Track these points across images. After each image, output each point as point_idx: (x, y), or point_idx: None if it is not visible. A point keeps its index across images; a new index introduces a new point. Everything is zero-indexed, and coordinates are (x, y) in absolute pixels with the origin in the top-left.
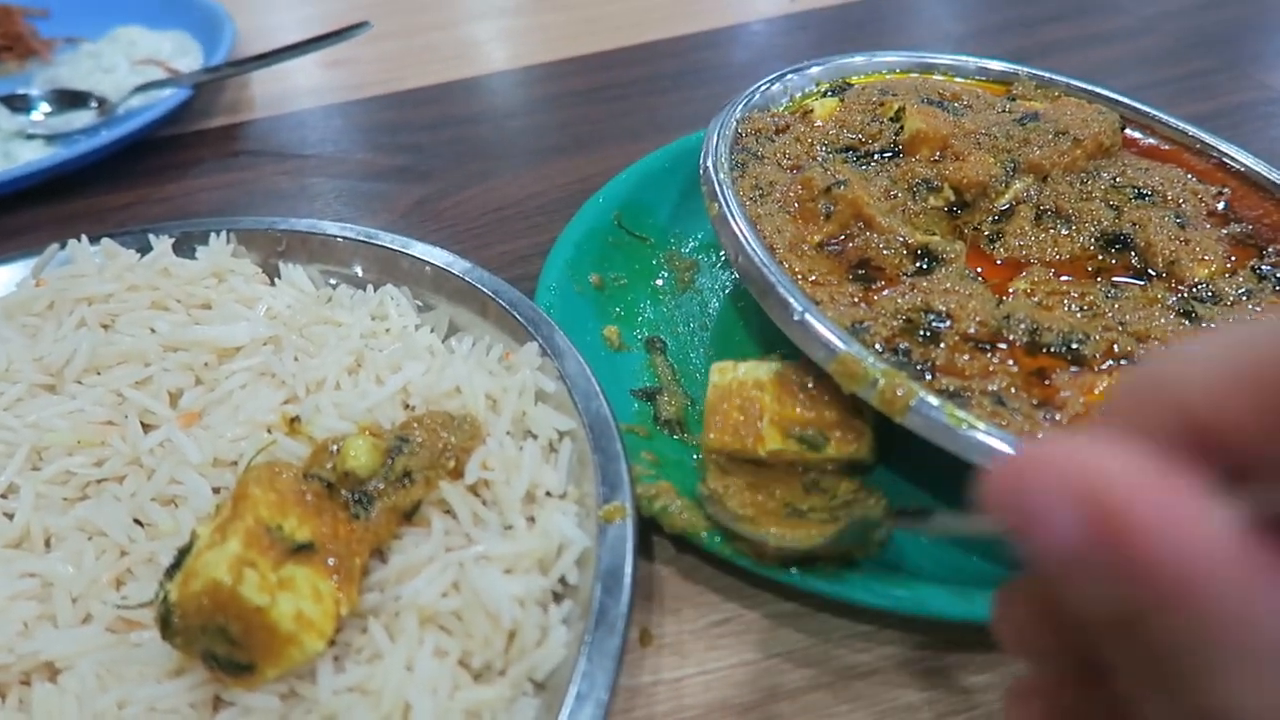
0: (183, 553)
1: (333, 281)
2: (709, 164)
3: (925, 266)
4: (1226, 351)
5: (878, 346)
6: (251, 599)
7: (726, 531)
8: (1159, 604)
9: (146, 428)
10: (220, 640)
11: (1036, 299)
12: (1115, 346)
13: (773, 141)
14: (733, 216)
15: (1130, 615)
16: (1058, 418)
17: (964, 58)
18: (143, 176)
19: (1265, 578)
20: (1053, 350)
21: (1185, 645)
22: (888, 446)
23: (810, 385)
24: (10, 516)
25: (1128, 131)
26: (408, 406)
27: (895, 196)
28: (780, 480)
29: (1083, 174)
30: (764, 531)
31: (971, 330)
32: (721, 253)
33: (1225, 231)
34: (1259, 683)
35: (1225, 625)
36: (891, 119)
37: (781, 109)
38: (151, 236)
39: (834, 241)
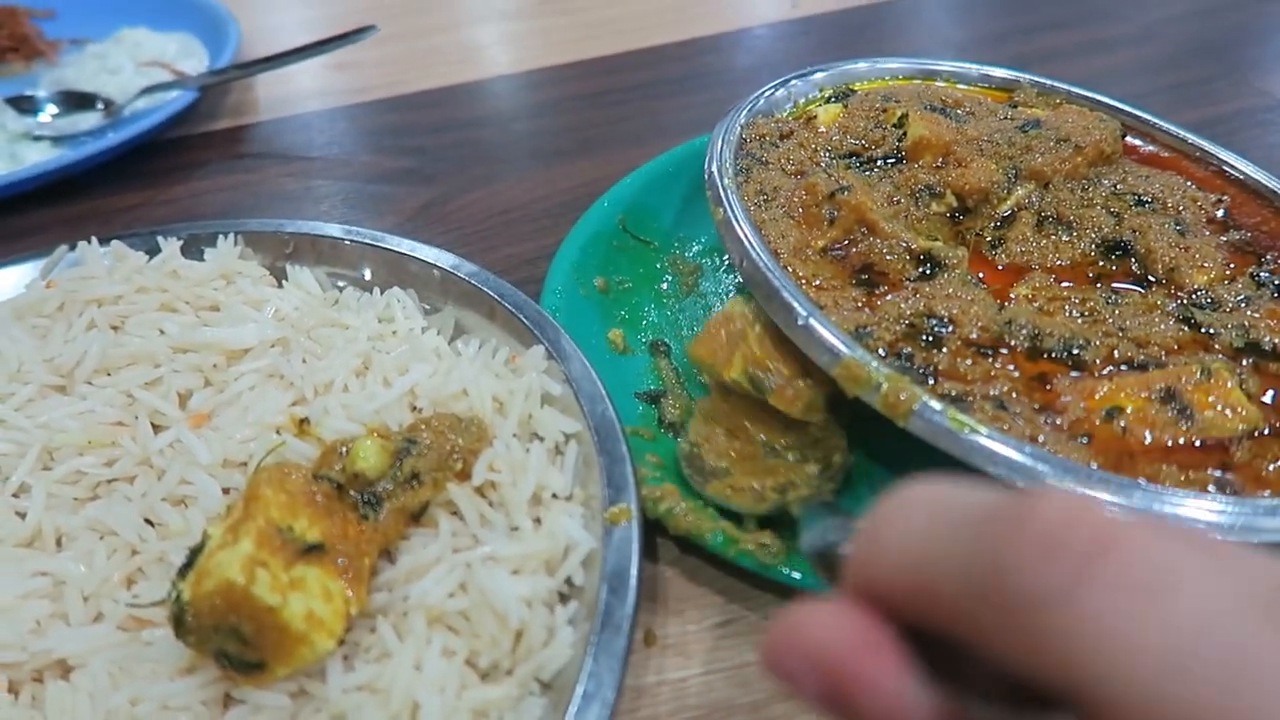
0: (194, 552)
1: (340, 284)
2: (714, 169)
3: (928, 272)
4: (895, 543)
5: (881, 351)
6: (264, 599)
7: (700, 497)
8: None
9: (156, 428)
10: (232, 639)
11: (1038, 305)
12: (1115, 352)
13: (777, 147)
14: (738, 221)
15: None
16: (1059, 422)
17: (966, 64)
18: (149, 178)
19: None
20: (1054, 355)
21: None
22: (844, 413)
23: (789, 345)
24: (22, 516)
25: (1128, 139)
26: (415, 409)
27: (898, 202)
28: (760, 418)
29: (1084, 181)
30: (729, 492)
31: (973, 335)
32: (725, 257)
33: (1224, 238)
34: None
35: None
36: (895, 125)
37: (785, 114)
38: (160, 239)
39: (838, 247)
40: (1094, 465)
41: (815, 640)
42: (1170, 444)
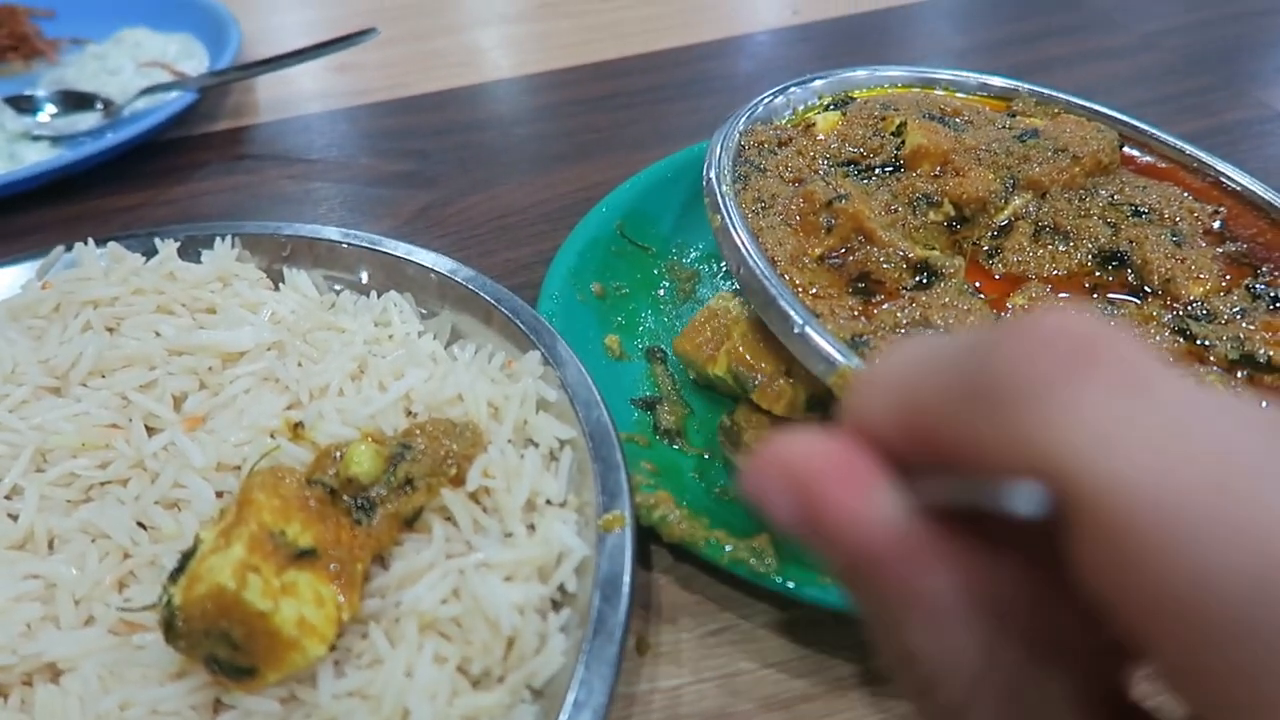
0: (186, 556)
1: (336, 287)
2: (712, 176)
3: (925, 281)
4: (889, 378)
5: (877, 360)
6: (255, 604)
7: (728, 464)
8: (848, 570)
9: (151, 431)
10: (223, 644)
11: None
12: None
13: (775, 154)
14: (735, 229)
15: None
16: None
17: (965, 73)
18: (148, 179)
19: (920, 555)
20: None
21: (871, 601)
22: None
23: (770, 340)
24: (14, 518)
25: (1126, 149)
26: (410, 413)
27: (896, 211)
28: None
29: (1081, 191)
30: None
31: None
32: (722, 264)
33: (1221, 250)
34: (925, 637)
35: (892, 589)
36: (893, 134)
37: (784, 122)
38: (157, 240)
39: (835, 255)
40: None
41: (792, 459)
42: None
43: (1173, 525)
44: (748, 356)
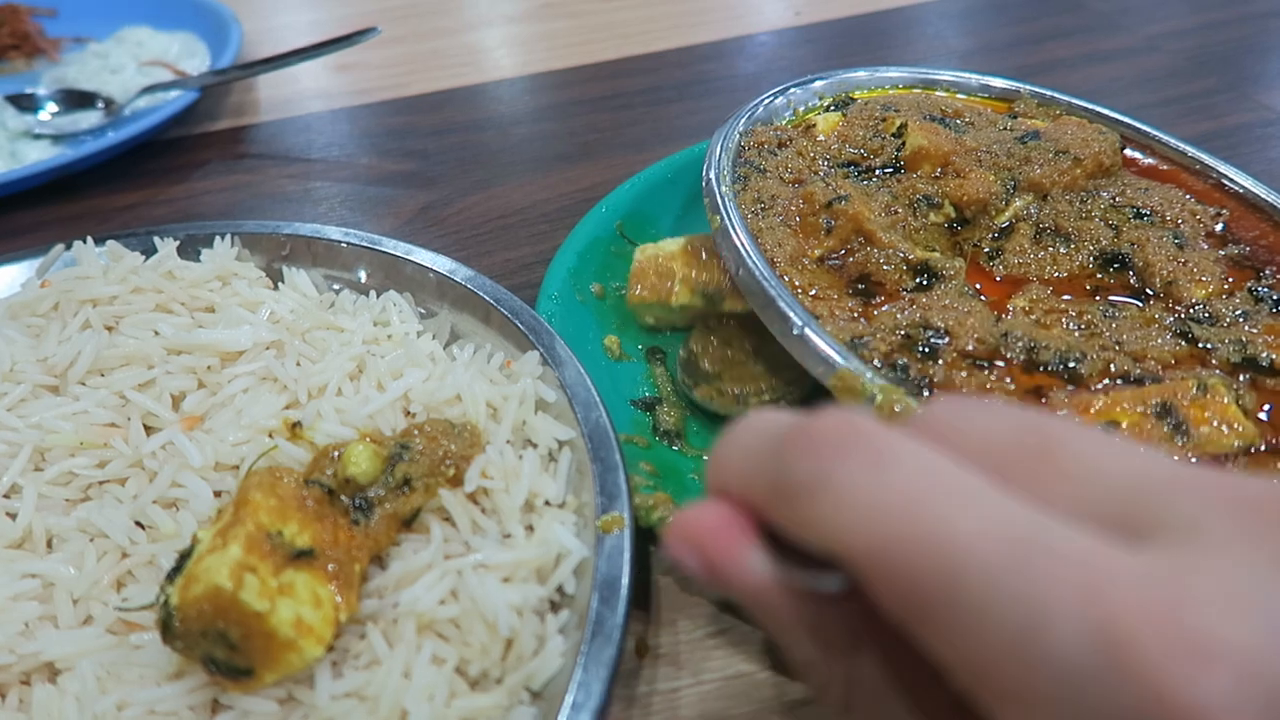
0: (183, 556)
1: (336, 286)
2: (711, 176)
3: (925, 283)
4: (736, 458)
5: (876, 362)
6: (252, 604)
7: (690, 403)
8: (746, 606)
9: (149, 430)
10: (220, 644)
11: (1035, 317)
12: (1112, 366)
13: (775, 155)
14: (734, 229)
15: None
16: None
17: (966, 74)
18: (148, 178)
19: (777, 600)
20: (1050, 369)
21: (768, 627)
22: None
23: (708, 254)
24: (13, 517)
25: (1128, 151)
26: (408, 413)
27: (896, 212)
28: (751, 329)
29: (1082, 193)
30: (714, 398)
31: (970, 347)
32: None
33: (1223, 253)
34: (798, 648)
35: (776, 619)
36: (894, 135)
37: (784, 123)
38: (156, 239)
39: (834, 256)
40: None
41: (691, 528)
42: None
43: (884, 574)
44: (704, 276)
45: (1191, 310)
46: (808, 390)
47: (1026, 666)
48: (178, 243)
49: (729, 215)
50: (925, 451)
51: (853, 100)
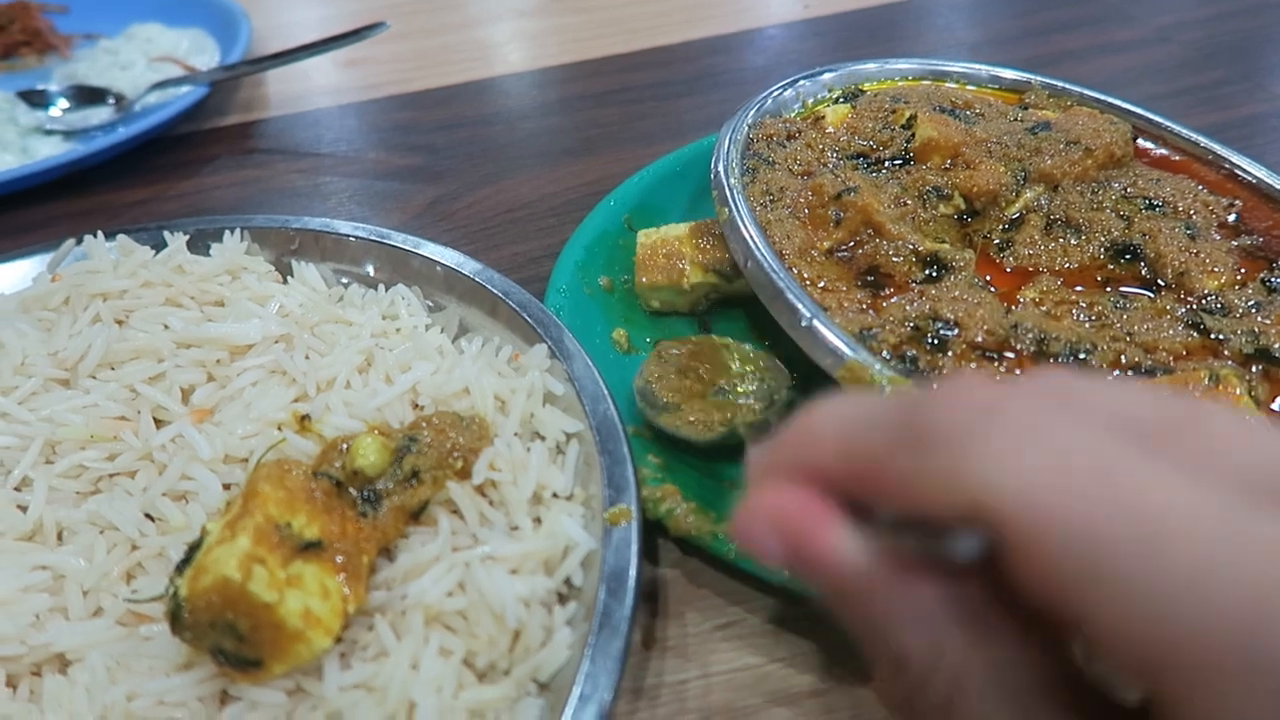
0: (193, 548)
1: (344, 280)
2: (720, 169)
3: (934, 274)
4: (834, 426)
5: (885, 354)
6: (260, 596)
7: (650, 426)
8: (832, 596)
9: (159, 423)
10: (229, 636)
11: (1045, 308)
12: (1123, 357)
13: (784, 147)
14: (743, 222)
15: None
16: None
17: (977, 66)
18: (158, 173)
19: (878, 583)
20: (1060, 360)
21: (856, 618)
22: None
23: (715, 235)
24: (24, 509)
25: (1139, 142)
26: (417, 406)
27: (905, 204)
28: (710, 360)
29: (1093, 184)
30: (680, 423)
31: (979, 339)
32: None
33: (1235, 243)
34: (889, 643)
35: (869, 607)
36: (903, 126)
37: (793, 115)
38: (166, 233)
39: (844, 248)
40: None
41: (769, 510)
42: None
43: (1058, 534)
44: (716, 254)
45: (1203, 301)
46: (782, 415)
47: (1242, 651)
48: (187, 237)
49: (738, 207)
50: (1078, 415)
51: (862, 92)
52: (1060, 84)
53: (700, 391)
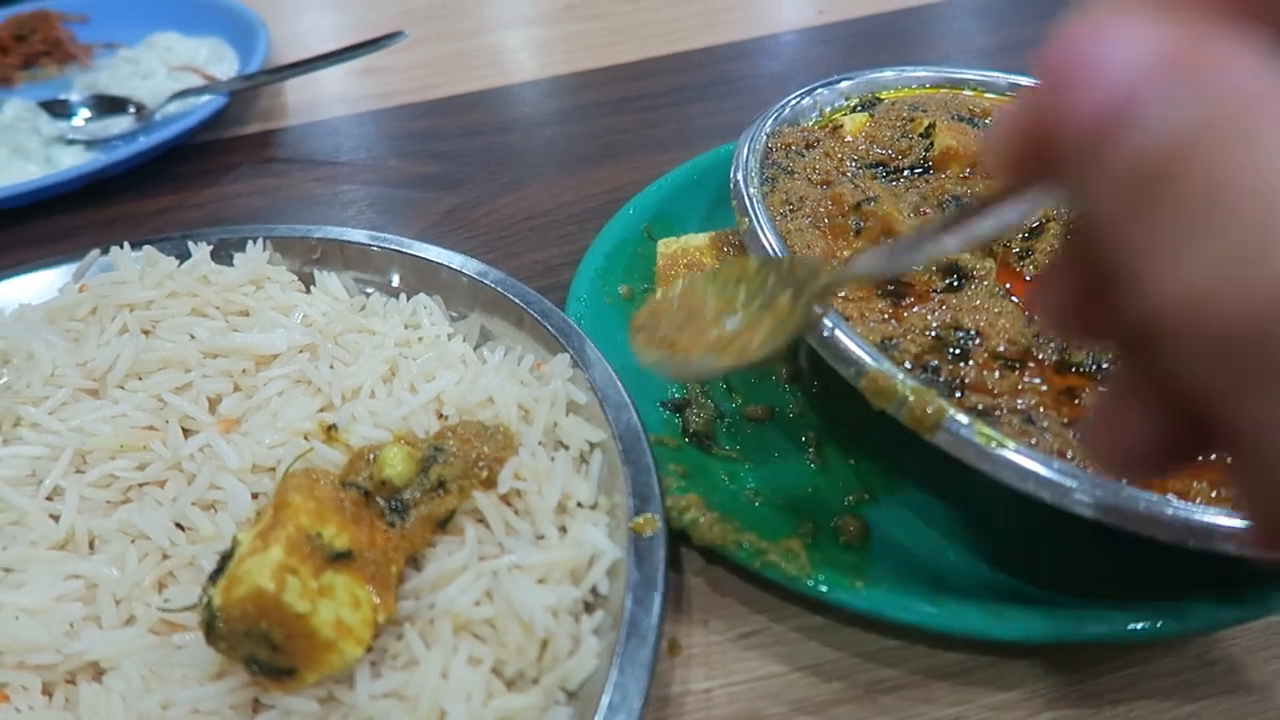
0: (225, 558)
1: (367, 290)
2: (739, 178)
3: (955, 284)
4: None
5: (907, 364)
6: (294, 606)
7: (657, 364)
8: (1221, 119)
9: (187, 433)
10: (262, 645)
11: None
12: None
13: (802, 156)
14: (763, 231)
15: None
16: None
17: (994, 74)
18: (179, 182)
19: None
20: (1082, 369)
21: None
22: None
23: (735, 245)
24: (56, 519)
25: None
26: (441, 416)
27: (925, 213)
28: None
29: None
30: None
31: (1001, 348)
32: None
33: None
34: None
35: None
36: (922, 135)
37: (811, 123)
38: (190, 243)
39: None
40: (1123, 481)
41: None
42: (1202, 460)
43: None
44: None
45: None
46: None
47: None
48: (211, 247)
49: (758, 217)
50: None
51: (880, 100)
52: None
53: (707, 325)
